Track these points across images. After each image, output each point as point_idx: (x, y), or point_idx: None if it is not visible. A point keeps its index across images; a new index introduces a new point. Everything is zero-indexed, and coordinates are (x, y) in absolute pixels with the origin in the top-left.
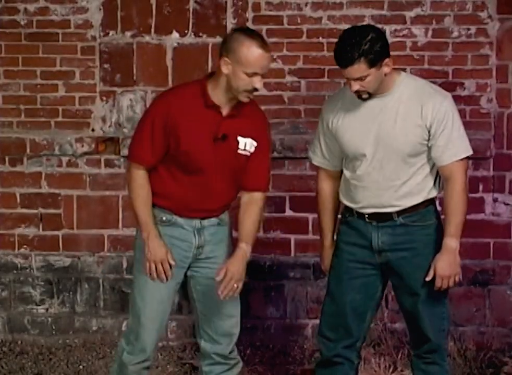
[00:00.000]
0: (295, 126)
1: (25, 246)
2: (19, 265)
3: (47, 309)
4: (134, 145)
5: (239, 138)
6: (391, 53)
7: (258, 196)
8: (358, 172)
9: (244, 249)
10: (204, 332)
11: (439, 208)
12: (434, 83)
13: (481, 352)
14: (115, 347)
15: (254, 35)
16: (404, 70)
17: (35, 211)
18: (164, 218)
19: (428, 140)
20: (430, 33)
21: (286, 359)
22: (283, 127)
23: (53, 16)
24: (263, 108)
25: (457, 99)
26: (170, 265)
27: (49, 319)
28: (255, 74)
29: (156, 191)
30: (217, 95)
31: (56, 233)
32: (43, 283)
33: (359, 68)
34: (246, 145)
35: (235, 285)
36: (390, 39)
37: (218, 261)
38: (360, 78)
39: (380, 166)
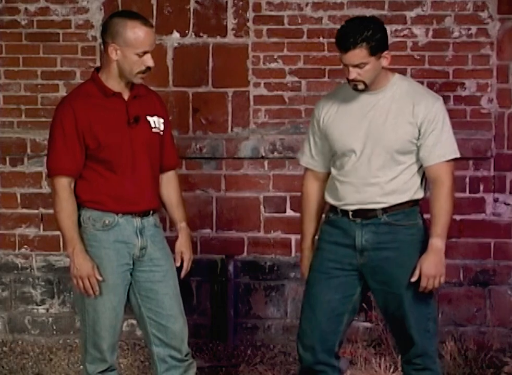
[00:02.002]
0: (295, 126)
1: (25, 246)
2: (19, 265)
3: (47, 309)
4: (51, 159)
5: (148, 118)
6: (392, 53)
7: (172, 174)
8: (346, 167)
9: (185, 227)
10: (154, 337)
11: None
12: (435, 83)
13: (482, 352)
14: None
15: (134, 15)
16: (404, 70)
17: (36, 211)
18: (107, 221)
19: (418, 139)
20: (431, 33)
21: (287, 359)
22: (284, 127)
23: (54, 16)
24: (263, 108)
25: (458, 99)
26: (97, 280)
27: (50, 319)
28: (145, 52)
29: (91, 198)
30: (112, 83)
31: (56, 233)
32: (43, 283)
33: (360, 53)
34: (155, 123)
35: (190, 262)
36: (391, 39)
37: (160, 263)
38: (359, 66)
39: (368, 162)
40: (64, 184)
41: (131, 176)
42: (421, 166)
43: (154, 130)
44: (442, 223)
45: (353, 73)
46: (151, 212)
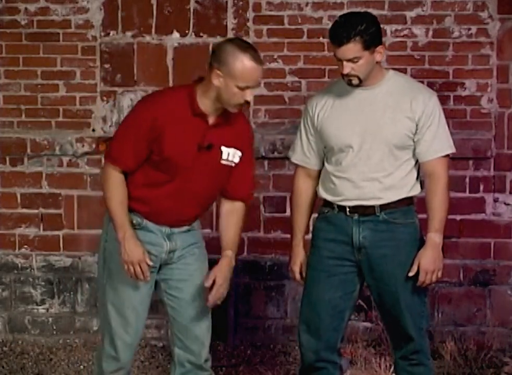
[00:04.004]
0: (296, 126)
1: (25, 246)
2: (19, 265)
3: (47, 309)
4: (116, 147)
5: (223, 148)
6: (392, 53)
7: (240, 205)
8: (343, 163)
9: (229, 257)
10: (176, 338)
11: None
12: (435, 83)
13: (482, 352)
14: None
15: (247, 47)
16: (404, 70)
17: (36, 211)
18: (134, 221)
19: (415, 134)
20: (431, 33)
21: (287, 359)
22: (284, 127)
23: (54, 16)
24: (263, 108)
25: (458, 99)
26: (148, 266)
27: (50, 319)
28: (247, 87)
29: (129, 195)
30: (205, 103)
31: (56, 233)
32: (43, 283)
33: (354, 47)
34: (229, 155)
35: (222, 292)
36: (391, 39)
37: (188, 261)
38: (352, 60)
39: (367, 157)
40: (117, 173)
41: (175, 197)
42: (416, 163)
43: (223, 162)
44: (440, 218)
45: (347, 68)
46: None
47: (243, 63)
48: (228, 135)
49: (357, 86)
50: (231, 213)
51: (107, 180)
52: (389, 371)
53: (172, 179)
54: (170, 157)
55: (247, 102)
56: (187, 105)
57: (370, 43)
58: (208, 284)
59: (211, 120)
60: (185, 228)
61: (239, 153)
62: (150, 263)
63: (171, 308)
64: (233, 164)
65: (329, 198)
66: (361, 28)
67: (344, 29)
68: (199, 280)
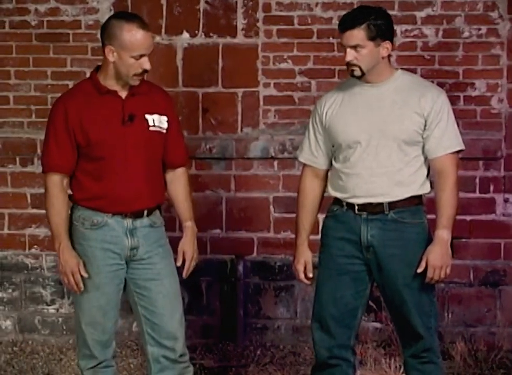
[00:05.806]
0: (305, 126)
1: (35, 246)
2: (29, 265)
3: (57, 309)
4: (44, 156)
5: (147, 116)
6: (402, 53)
7: (181, 171)
8: (352, 159)
9: (191, 227)
10: (149, 336)
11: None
12: (445, 83)
13: (492, 353)
14: (125, 347)
15: (132, 17)
16: (414, 70)
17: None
18: (95, 220)
19: (424, 130)
20: (441, 33)
21: (296, 359)
22: (294, 128)
23: (64, 16)
24: (273, 108)
25: (468, 99)
26: (82, 276)
27: (60, 319)
28: (141, 56)
29: (82, 197)
30: (109, 83)
31: None
32: (53, 283)
33: (358, 34)
34: (155, 121)
35: (194, 264)
36: (401, 40)
37: (154, 260)
38: (355, 48)
39: (375, 153)
40: (55, 181)
41: (123, 176)
42: (425, 160)
43: (152, 128)
44: (448, 215)
45: (349, 55)
46: (145, 212)
47: (131, 33)
48: (146, 103)
49: (360, 78)
50: (176, 181)
51: (46, 191)
52: (399, 371)
53: (110, 162)
54: (97, 139)
55: (146, 71)
56: (93, 89)
57: (375, 35)
58: (179, 263)
59: (123, 95)
60: (146, 222)
61: (164, 118)
62: (85, 275)
63: (142, 307)
64: (164, 131)
65: (338, 195)
66: (368, 18)
67: (352, 16)
68: (167, 279)
